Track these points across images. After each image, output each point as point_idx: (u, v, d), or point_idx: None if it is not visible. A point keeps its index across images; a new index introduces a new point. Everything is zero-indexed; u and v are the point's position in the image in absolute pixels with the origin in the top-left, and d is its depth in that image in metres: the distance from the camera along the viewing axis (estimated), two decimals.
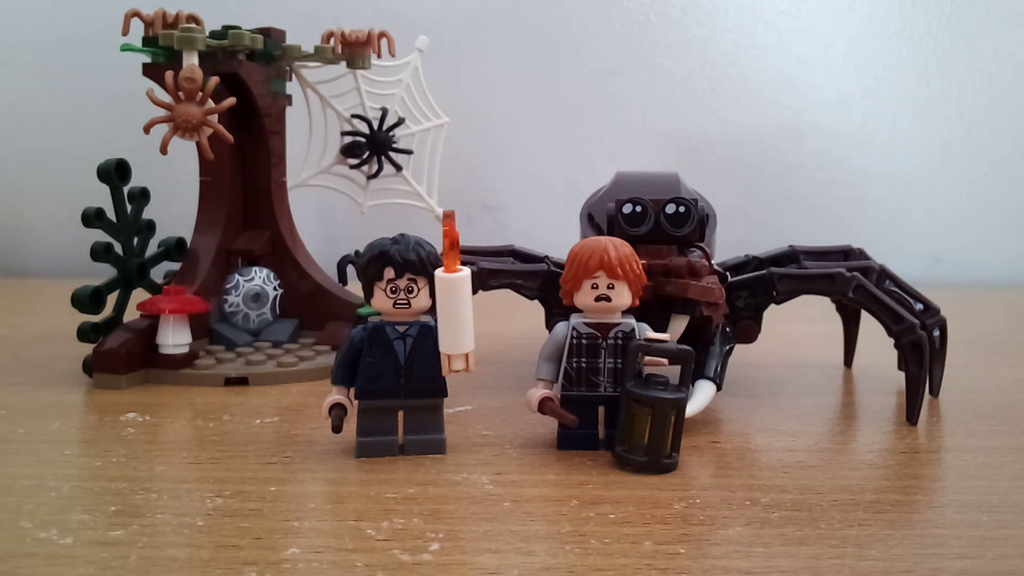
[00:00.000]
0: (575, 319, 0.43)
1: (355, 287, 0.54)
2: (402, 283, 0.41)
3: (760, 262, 0.54)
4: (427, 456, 0.42)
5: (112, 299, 0.59)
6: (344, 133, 0.70)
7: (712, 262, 0.48)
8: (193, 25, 0.56)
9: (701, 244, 0.48)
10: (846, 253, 0.56)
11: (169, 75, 0.52)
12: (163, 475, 0.39)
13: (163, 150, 0.52)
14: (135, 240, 0.60)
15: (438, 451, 0.43)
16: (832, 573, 0.30)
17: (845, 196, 1.13)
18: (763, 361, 0.63)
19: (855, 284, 0.48)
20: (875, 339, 0.55)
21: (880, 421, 0.50)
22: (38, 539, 0.32)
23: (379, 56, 0.67)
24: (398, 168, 0.71)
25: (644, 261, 0.43)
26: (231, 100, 0.53)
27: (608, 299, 0.42)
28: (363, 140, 0.69)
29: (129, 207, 0.59)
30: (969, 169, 1.12)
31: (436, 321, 0.39)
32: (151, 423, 0.48)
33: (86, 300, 0.56)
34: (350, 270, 0.67)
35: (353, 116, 0.69)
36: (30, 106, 1.11)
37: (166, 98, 0.52)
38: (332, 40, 0.65)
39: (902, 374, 0.49)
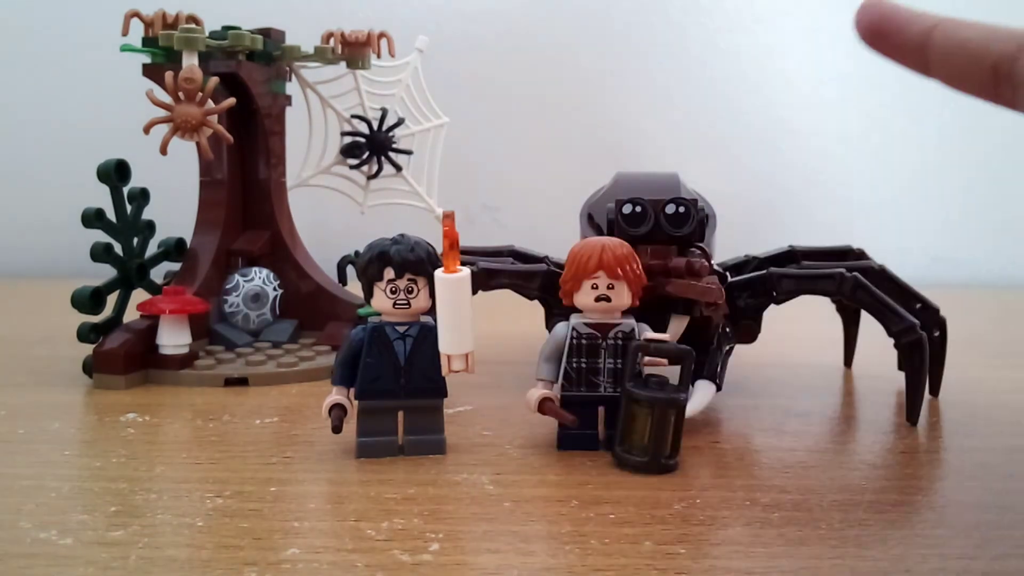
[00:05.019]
0: (575, 319, 0.43)
1: (355, 287, 0.54)
2: (402, 283, 0.41)
3: (760, 262, 0.54)
4: (427, 456, 0.42)
5: (112, 299, 0.59)
6: (344, 133, 0.70)
7: (712, 262, 0.48)
8: (193, 25, 0.56)
9: (701, 244, 0.48)
10: (846, 253, 0.56)
11: (169, 75, 0.52)
12: (163, 475, 0.39)
13: (163, 150, 0.52)
14: (135, 240, 0.60)
15: (438, 451, 0.42)
16: (832, 573, 0.30)
17: (845, 196, 1.13)
18: (763, 361, 0.63)
19: (855, 284, 0.48)
20: (875, 339, 0.55)
21: (880, 421, 0.50)
22: (38, 539, 0.32)
23: (379, 56, 0.67)
24: (398, 168, 0.71)
25: (644, 261, 0.43)
26: (231, 100, 0.53)
27: (608, 299, 0.42)
28: (363, 140, 0.69)
29: (129, 207, 0.59)
30: (969, 169, 1.13)
31: (436, 321, 0.39)
32: (151, 423, 0.48)
33: (86, 300, 0.56)
34: (350, 270, 0.67)
35: (353, 116, 0.69)
36: (30, 106, 1.11)
37: (166, 98, 0.52)
38: (332, 40, 0.65)
39: (902, 374, 0.49)
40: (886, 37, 0.28)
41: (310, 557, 0.31)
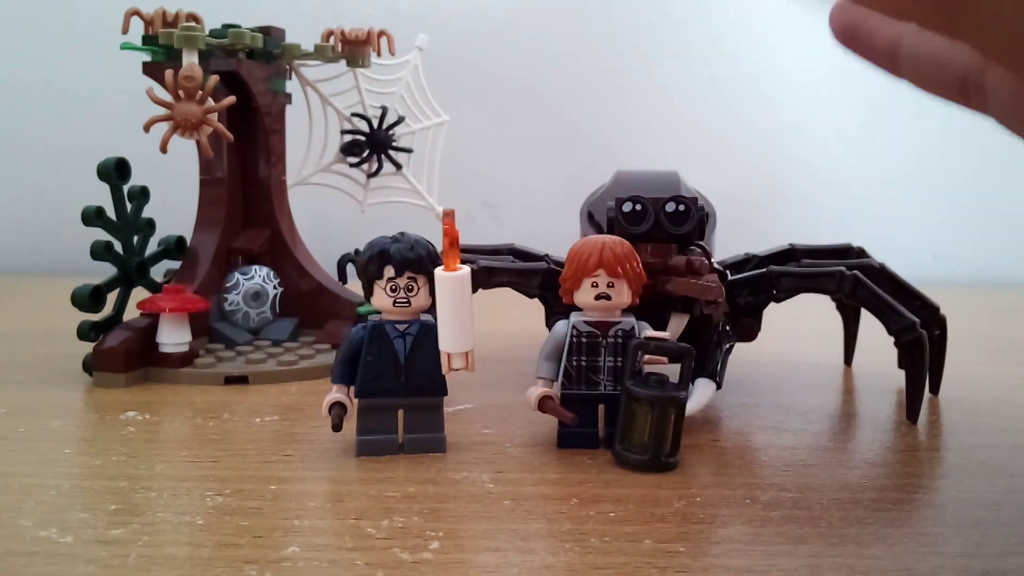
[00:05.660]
0: (575, 317, 0.43)
1: (355, 285, 0.54)
2: (402, 281, 0.41)
3: (760, 260, 0.54)
4: (427, 455, 0.42)
5: (112, 298, 0.59)
6: (344, 131, 0.70)
7: (712, 260, 0.48)
8: (193, 24, 0.56)
9: (701, 242, 0.48)
10: (846, 251, 0.56)
11: (169, 74, 0.52)
12: (163, 473, 0.39)
13: (163, 149, 0.52)
14: (135, 239, 0.60)
15: (438, 450, 0.42)
16: (832, 571, 0.30)
17: (845, 194, 1.13)
18: (763, 359, 0.63)
19: (855, 282, 0.48)
20: (875, 337, 0.55)
21: (880, 419, 0.50)
22: (38, 537, 0.32)
23: (379, 54, 0.67)
24: (398, 166, 0.71)
25: (644, 259, 0.43)
26: (231, 99, 0.53)
27: (608, 297, 0.42)
28: (363, 138, 0.69)
29: (129, 206, 0.59)
30: (969, 167, 1.12)
31: (436, 319, 0.39)
32: (151, 421, 0.48)
33: (86, 299, 0.56)
34: (350, 268, 0.67)
35: (353, 115, 0.69)
36: (30, 104, 1.11)
37: (166, 97, 0.52)
38: (332, 38, 0.65)
39: (902, 372, 0.49)
40: (857, 40, 0.28)
41: (310, 555, 0.31)
